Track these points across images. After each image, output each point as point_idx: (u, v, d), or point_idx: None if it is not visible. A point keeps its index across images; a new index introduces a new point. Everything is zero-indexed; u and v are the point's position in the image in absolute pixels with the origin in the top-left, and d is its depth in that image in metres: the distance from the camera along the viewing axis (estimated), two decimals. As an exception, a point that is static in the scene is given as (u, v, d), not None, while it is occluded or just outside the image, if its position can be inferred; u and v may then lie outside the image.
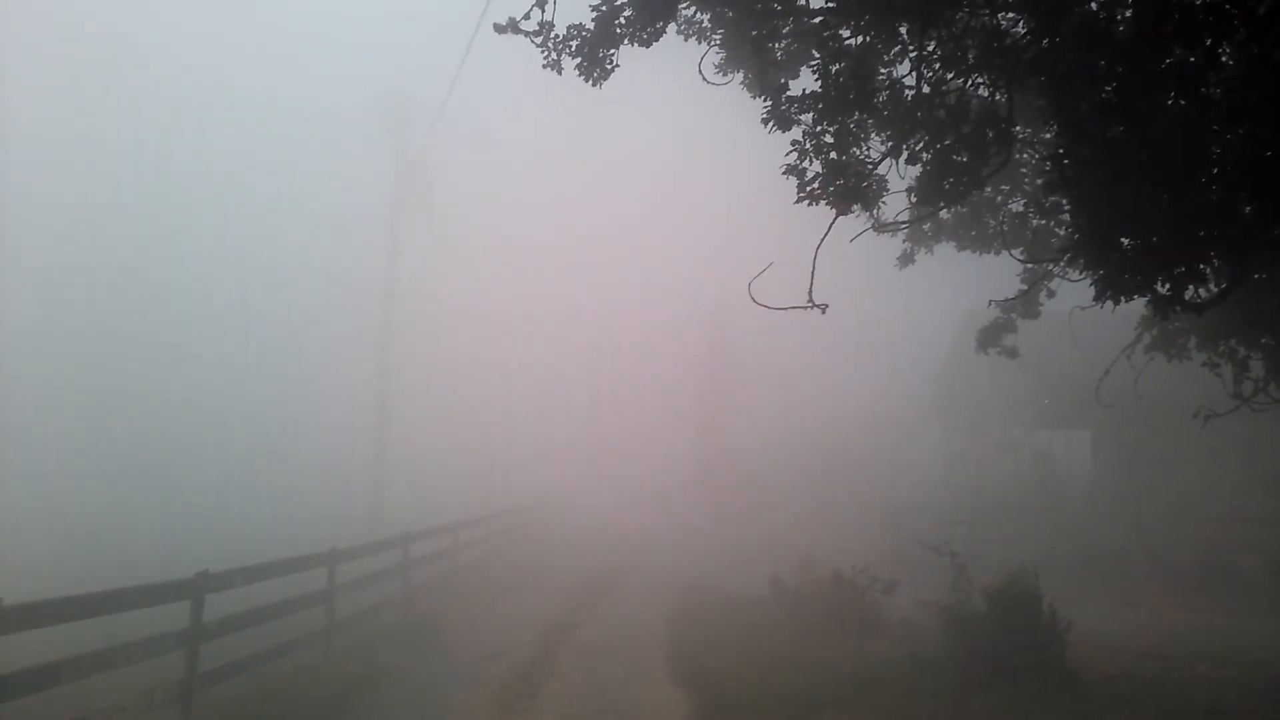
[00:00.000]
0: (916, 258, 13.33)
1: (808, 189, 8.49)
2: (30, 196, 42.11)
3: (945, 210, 11.50)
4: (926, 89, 8.09)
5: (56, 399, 36.38)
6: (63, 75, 46.12)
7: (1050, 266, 11.03)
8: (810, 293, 8.95)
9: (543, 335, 39.51)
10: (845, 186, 8.55)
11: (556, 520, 29.58)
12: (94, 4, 49.08)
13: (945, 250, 13.42)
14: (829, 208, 8.72)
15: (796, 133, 8.51)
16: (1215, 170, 6.49)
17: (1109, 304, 7.19)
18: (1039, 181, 9.73)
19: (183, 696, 8.38)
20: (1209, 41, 6.30)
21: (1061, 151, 6.97)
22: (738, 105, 11.12)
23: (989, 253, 12.56)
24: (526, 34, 9.31)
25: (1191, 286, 6.93)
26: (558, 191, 45.07)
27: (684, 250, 40.60)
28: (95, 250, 42.35)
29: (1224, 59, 6.52)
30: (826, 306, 8.91)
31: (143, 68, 48.98)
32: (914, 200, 10.45)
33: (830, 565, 14.56)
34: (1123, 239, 6.71)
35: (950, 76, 8.12)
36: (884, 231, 10.94)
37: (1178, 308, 6.89)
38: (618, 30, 9.11)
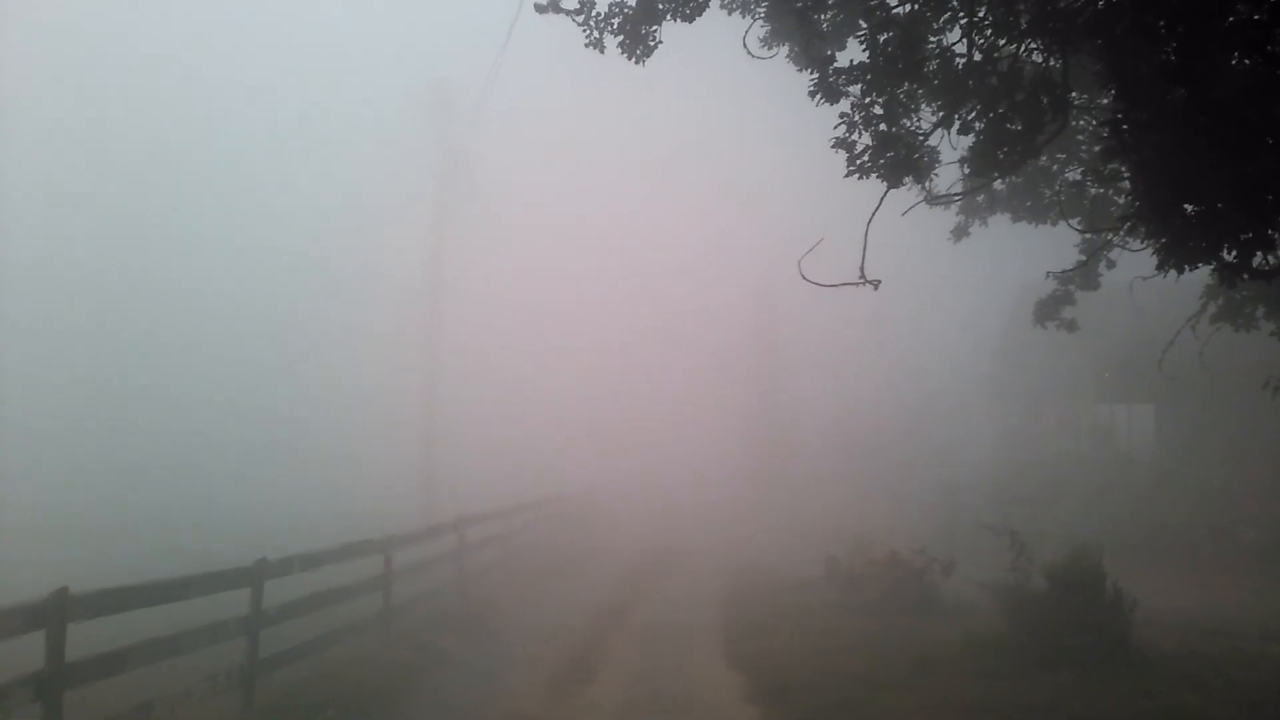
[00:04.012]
0: (970, 230, 13.10)
1: (857, 162, 8.35)
2: (83, 197, 42.84)
3: (999, 181, 11.27)
4: (978, 56, 7.89)
5: (104, 398, 36.92)
6: (75, 71, 46.58)
7: (1109, 236, 10.73)
8: (862, 268, 8.82)
9: (589, 319, 39.50)
10: (896, 158, 8.40)
11: (607, 504, 29.64)
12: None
13: (1000, 222, 13.16)
14: (879, 181, 8.57)
15: (845, 105, 8.37)
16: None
17: (1171, 274, 6.96)
18: (1097, 149, 9.44)
19: (245, 681, 8.50)
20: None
21: (1120, 117, 6.73)
22: (783, 79, 10.97)
23: (1045, 223, 12.29)
24: (568, 12, 9.26)
25: (1259, 253, 6.68)
26: (600, 175, 44.87)
27: (732, 229, 40.28)
28: (138, 251, 42.91)
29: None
30: (879, 282, 8.76)
31: (173, 62, 49.23)
32: (967, 171, 10.25)
33: (886, 545, 14.41)
34: (1186, 205, 6.48)
35: (1002, 43, 7.91)
36: (936, 204, 10.73)
37: (1245, 275, 6.65)
38: (660, 6, 9.01)
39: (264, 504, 24.67)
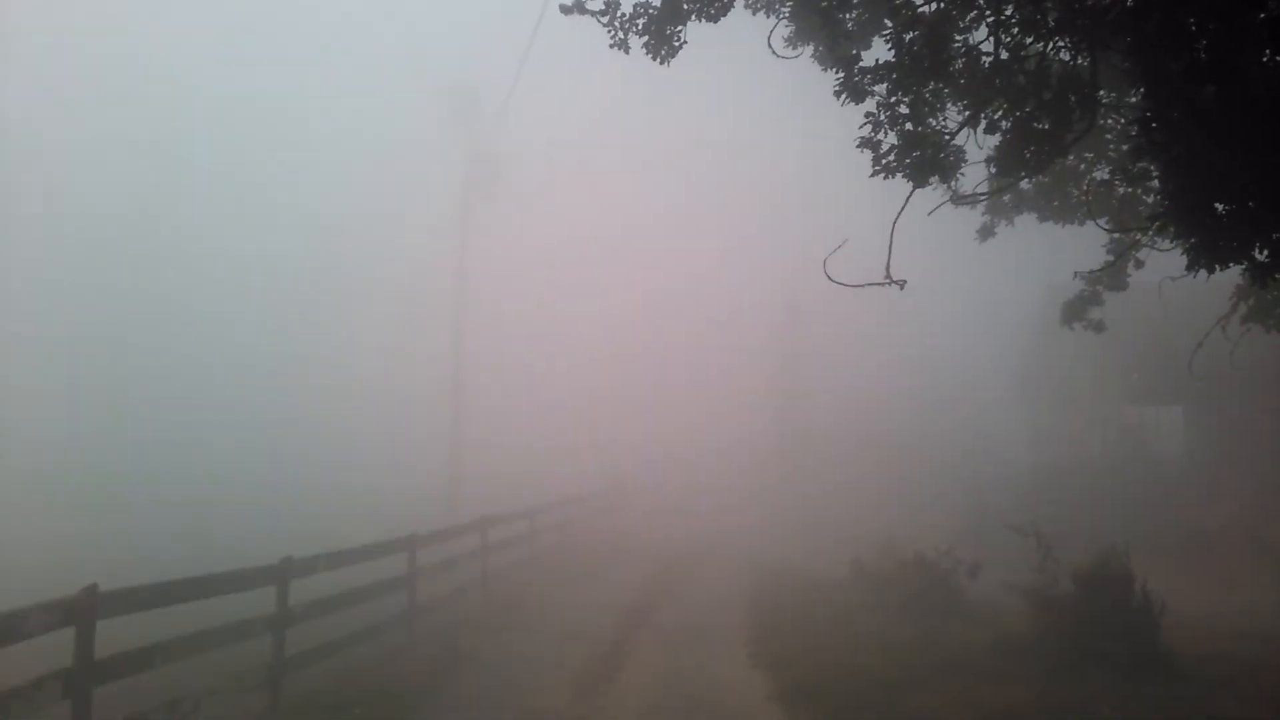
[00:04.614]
0: (997, 230, 12.98)
1: (883, 162, 8.30)
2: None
3: (1026, 180, 11.16)
4: (1005, 55, 7.83)
5: (122, 407, 37.11)
6: (87, 80, 46.87)
7: (1138, 236, 10.61)
8: (888, 268, 8.77)
9: (614, 320, 39.51)
10: (922, 158, 8.34)
11: (633, 505, 29.65)
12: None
13: (1027, 222, 13.03)
14: (905, 180, 8.52)
15: (870, 104, 8.33)
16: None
17: (1201, 274, 6.88)
18: (1125, 147, 9.34)
19: (271, 680, 8.57)
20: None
21: (1149, 115, 6.66)
22: (809, 79, 10.93)
23: (1073, 223, 12.16)
24: (593, 13, 9.26)
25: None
26: (625, 176, 44.86)
27: (757, 229, 40.18)
28: (144, 259, 43.14)
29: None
30: (904, 283, 8.71)
31: (186, 67, 49.39)
32: (993, 171, 10.17)
33: (912, 547, 14.34)
34: (1216, 205, 6.40)
35: (1029, 41, 7.85)
36: (963, 204, 10.63)
37: (1276, 275, 6.56)
38: (685, 6, 9.00)
39: (294, 510, 24.81)
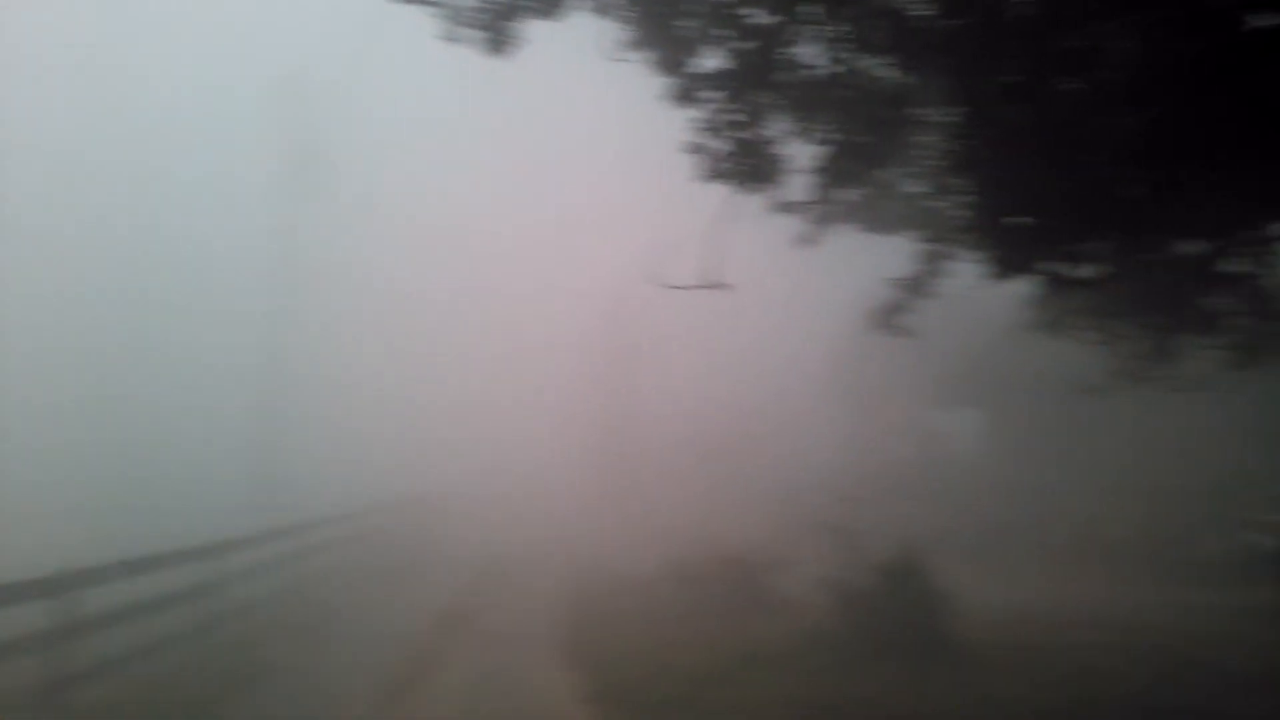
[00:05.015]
0: (820, 238, 13.39)
1: (712, 167, 8.42)
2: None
3: (849, 191, 11.56)
4: (835, 70, 8.08)
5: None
6: None
7: (947, 247, 11.20)
8: (710, 272, 8.90)
9: (438, 318, 38.74)
10: (749, 165, 8.51)
11: (448, 506, 29.10)
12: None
13: (850, 231, 13.51)
14: (733, 187, 8.66)
15: (703, 111, 8.43)
16: (1108, 151, 6.60)
17: (1005, 284, 7.30)
18: (942, 163, 9.83)
19: (40, 701, 7.67)
20: (1101, 25, 6.41)
21: (963, 133, 7.02)
22: (641, 83, 10.96)
23: (890, 234, 12.70)
24: (426, 4, 8.96)
25: (1083, 265, 7.09)
26: (454, 172, 43.95)
27: (579, 230, 40.15)
28: None
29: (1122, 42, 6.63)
30: (727, 286, 8.85)
31: None
32: (818, 181, 10.45)
33: (725, 545, 14.69)
34: (1017, 218, 6.81)
35: (859, 58, 8.12)
36: (788, 212, 10.91)
37: (1068, 286, 7.03)
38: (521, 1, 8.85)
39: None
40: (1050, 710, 8.46)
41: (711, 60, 8.71)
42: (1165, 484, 17.11)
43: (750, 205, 9.80)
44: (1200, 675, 9.36)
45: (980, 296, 12.08)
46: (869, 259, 14.14)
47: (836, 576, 11.30)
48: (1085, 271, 7.40)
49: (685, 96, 8.46)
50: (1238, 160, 6.56)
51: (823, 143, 8.91)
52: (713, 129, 8.35)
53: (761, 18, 8.23)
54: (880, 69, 8.23)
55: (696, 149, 8.35)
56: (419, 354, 38.58)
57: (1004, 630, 11.24)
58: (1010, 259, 6.97)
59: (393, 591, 16.33)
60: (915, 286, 12.50)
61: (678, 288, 8.73)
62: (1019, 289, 9.06)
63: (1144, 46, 6.37)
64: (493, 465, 34.23)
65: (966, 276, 11.66)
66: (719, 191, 8.89)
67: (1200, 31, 6.10)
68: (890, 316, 13.10)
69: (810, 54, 8.46)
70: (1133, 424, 17.57)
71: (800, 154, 9.51)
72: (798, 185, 10.40)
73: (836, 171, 8.87)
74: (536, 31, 9.34)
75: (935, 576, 10.59)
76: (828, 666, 9.78)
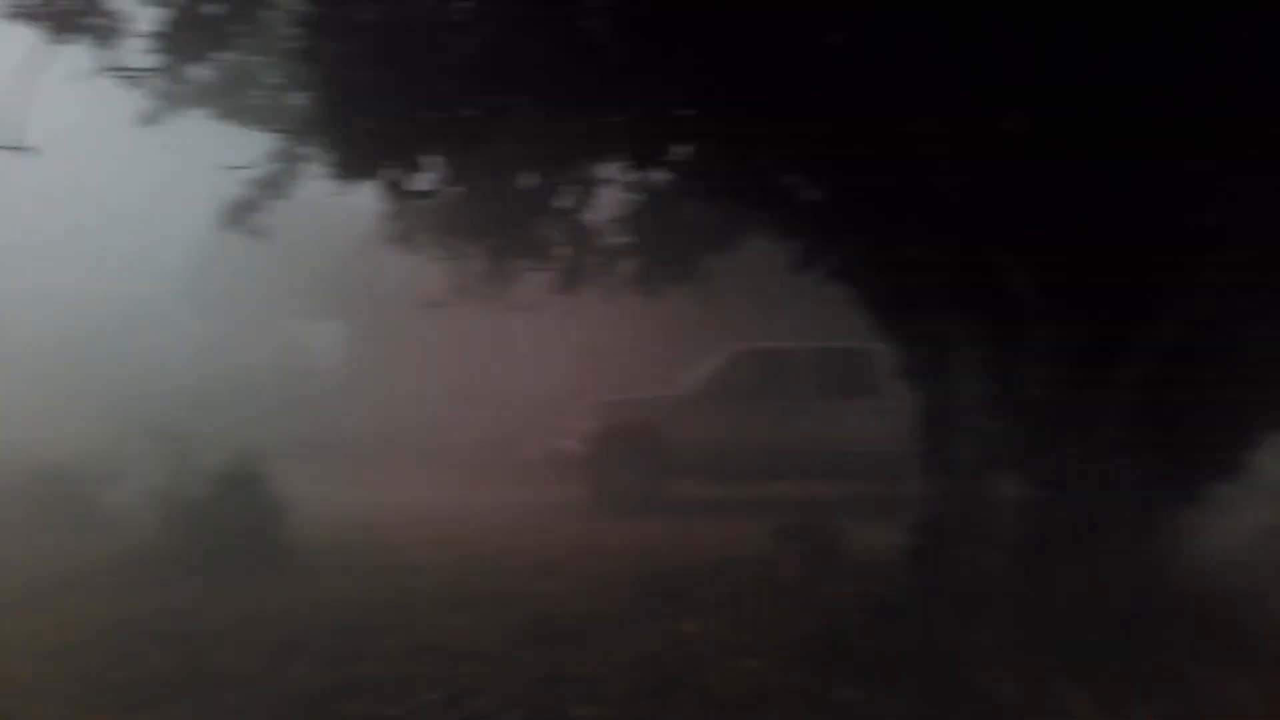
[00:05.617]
0: (167, 118, 12.14)
1: (23, 6, 7.12)
2: None
3: (197, 68, 10.57)
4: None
5: None
6: None
7: (301, 146, 10.83)
8: (20, 132, 7.64)
9: None
10: (69, 11, 7.34)
11: None
12: None
13: (201, 115, 12.42)
14: (49, 34, 7.44)
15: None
16: (452, 66, 6.73)
17: (352, 190, 7.22)
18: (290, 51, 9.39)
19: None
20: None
21: (309, 20, 6.70)
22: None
23: (248, 125, 11.94)
24: None
25: (422, 177, 7.25)
26: None
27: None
28: None
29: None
30: (33, 149, 7.63)
31: None
32: (160, 49, 9.38)
33: (45, 456, 12.93)
34: (361, 120, 6.72)
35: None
36: (121, 78, 9.61)
37: (409, 197, 7.16)
38: None
39: None
40: (372, 603, 8.76)
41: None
42: (497, 394, 18.92)
43: (80, 62, 8.55)
44: (512, 562, 10.41)
45: (338, 205, 12.01)
46: (224, 149, 13.19)
47: (171, 487, 10.52)
48: (424, 184, 7.58)
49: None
50: (565, 101, 7.13)
51: (164, 4, 8.00)
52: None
53: None
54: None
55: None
56: None
57: (339, 534, 11.36)
58: (351, 161, 6.86)
59: None
60: (270, 185, 11.95)
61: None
62: (376, 200, 9.09)
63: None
64: None
65: (325, 182, 11.46)
66: (27, 34, 7.56)
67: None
68: (244, 214, 12.40)
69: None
70: (471, 338, 19.06)
71: (143, 15, 8.49)
72: (138, 50, 9.25)
73: (178, 41, 7.99)
74: None
75: (276, 485, 10.33)
76: (144, 581, 9.08)
